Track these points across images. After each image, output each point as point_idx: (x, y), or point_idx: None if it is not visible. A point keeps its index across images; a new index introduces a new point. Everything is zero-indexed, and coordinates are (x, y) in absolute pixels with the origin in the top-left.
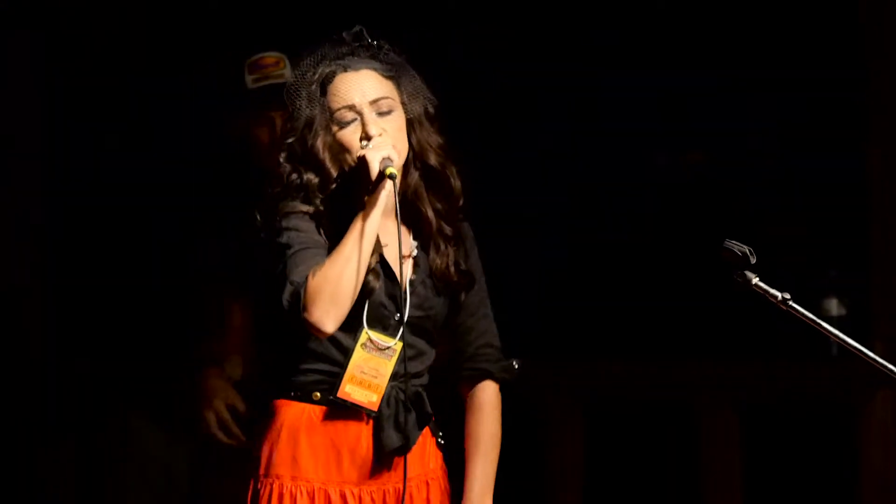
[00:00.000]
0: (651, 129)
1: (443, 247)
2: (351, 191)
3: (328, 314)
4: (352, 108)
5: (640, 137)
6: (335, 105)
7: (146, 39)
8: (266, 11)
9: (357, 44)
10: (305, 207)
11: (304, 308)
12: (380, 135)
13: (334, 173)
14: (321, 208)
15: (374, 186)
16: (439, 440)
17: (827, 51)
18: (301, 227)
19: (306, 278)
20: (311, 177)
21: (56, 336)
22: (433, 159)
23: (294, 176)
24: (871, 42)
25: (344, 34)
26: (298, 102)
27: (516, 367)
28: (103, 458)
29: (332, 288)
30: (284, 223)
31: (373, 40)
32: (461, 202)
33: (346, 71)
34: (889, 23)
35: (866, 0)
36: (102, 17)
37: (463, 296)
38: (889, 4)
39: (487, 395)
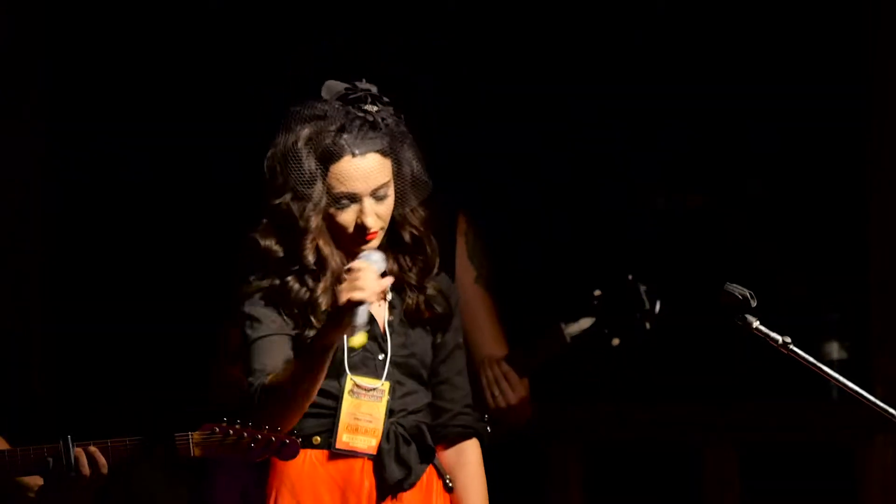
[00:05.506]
0: (651, 171)
1: (412, 286)
2: (316, 275)
3: (279, 424)
4: (353, 196)
5: (640, 179)
6: (336, 188)
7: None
8: (264, 12)
9: (362, 119)
10: (265, 283)
11: (258, 414)
12: (373, 227)
13: (309, 249)
14: (276, 283)
15: (337, 321)
16: (447, 482)
17: (827, 86)
18: (261, 308)
19: (261, 384)
20: (279, 252)
21: (54, 370)
22: (408, 235)
23: (262, 251)
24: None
25: (346, 89)
26: (294, 165)
27: (489, 428)
28: (104, 498)
29: (281, 410)
30: (246, 309)
31: (374, 101)
32: (434, 272)
33: (353, 157)
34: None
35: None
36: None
37: (439, 337)
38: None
39: (476, 454)
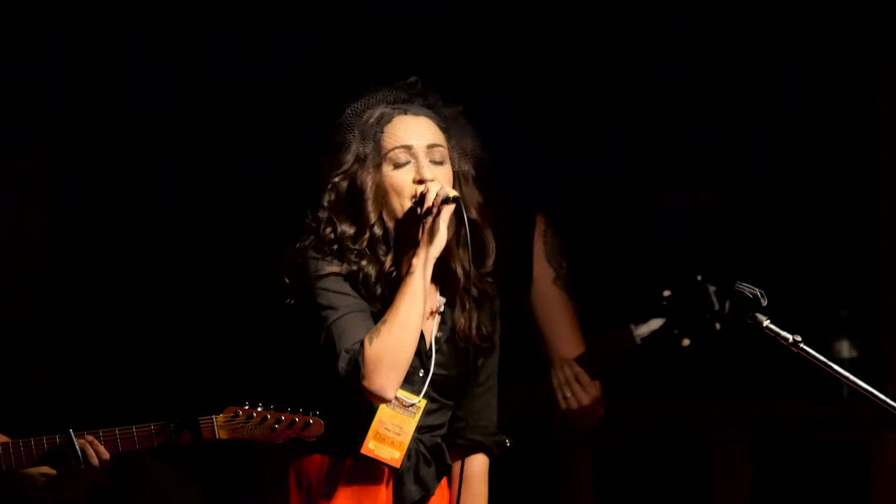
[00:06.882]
0: (659, 167)
1: (467, 306)
2: (385, 246)
3: (390, 382)
4: (408, 149)
5: (649, 175)
6: (391, 144)
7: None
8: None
9: (413, 92)
10: (338, 268)
11: (365, 377)
12: (432, 180)
13: (373, 218)
14: (353, 268)
15: (432, 221)
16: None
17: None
18: (340, 288)
19: (362, 345)
20: (345, 228)
21: (65, 367)
22: (472, 216)
23: (328, 230)
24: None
25: (399, 82)
26: (349, 136)
27: (507, 444)
28: (116, 497)
29: (393, 355)
30: (320, 285)
31: (427, 91)
32: (491, 262)
33: (405, 114)
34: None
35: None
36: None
37: (481, 360)
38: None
39: (478, 466)
